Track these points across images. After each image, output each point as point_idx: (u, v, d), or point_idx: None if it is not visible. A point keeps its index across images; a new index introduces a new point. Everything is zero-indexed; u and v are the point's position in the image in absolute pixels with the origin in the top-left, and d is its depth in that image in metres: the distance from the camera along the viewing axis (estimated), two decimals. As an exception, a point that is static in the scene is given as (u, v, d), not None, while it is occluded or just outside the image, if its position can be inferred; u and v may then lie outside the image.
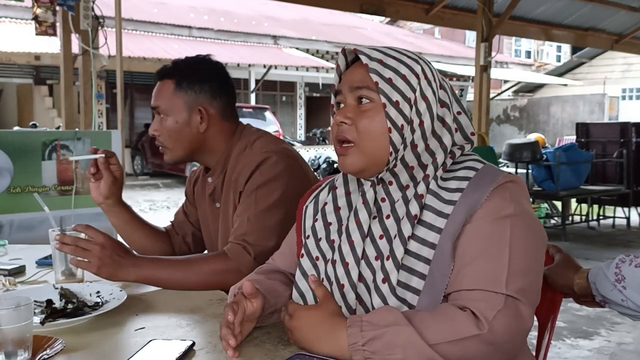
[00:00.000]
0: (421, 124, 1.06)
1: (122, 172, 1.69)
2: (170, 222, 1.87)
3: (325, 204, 1.19)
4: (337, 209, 1.16)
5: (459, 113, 1.13)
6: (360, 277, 1.07)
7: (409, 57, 1.10)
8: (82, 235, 1.41)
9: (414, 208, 1.05)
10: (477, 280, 0.99)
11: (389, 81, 1.05)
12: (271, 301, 1.16)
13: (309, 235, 1.18)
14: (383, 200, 1.10)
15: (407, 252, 1.03)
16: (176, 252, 1.79)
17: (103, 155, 1.62)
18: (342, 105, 1.11)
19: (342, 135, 1.09)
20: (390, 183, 1.09)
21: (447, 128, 1.09)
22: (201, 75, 1.59)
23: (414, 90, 1.06)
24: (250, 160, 1.54)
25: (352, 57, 1.14)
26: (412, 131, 1.06)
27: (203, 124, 1.58)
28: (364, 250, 1.08)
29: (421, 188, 1.06)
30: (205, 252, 1.82)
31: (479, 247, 1.01)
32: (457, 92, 1.18)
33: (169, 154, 1.62)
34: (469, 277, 0.99)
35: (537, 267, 1.05)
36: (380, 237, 1.07)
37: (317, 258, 1.16)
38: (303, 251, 1.18)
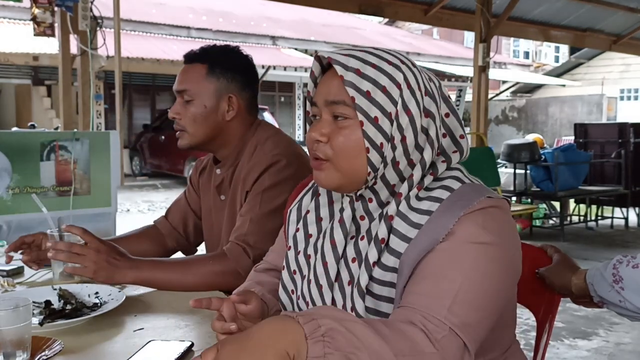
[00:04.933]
0: (403, 139, 0.97)
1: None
2: (164, 215, 1.82)
3: (308, 211, 1.12)
4: (319, 219, 1.10)
5: (447, 115, 1.04)
6: (333, 301, 1.02)
7: (390, 62, 0.98)
8: (77, 239, 1.40)
9: (382, 231, 0.97)
10: (419, 299, 0.89)
11: (366, 95, 0.95)
12: (274, 300, 1.15)
13: (290, 247, 1.13)
14: (362, 218, 1.03)
15: (372, 278, 0.97)
16: (169, 245, 1.77)
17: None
18: (317, 117, 1.02)
19: (315, 154, 1.01)
20: (370, 200, 1.02)
21: (429, 141, 1.00)
22: (234, 64, 1.60)
23: (395, 103, 0.96)
24: (259, 161, 1.55)
25: (326, 62, 1.03)
26: (393, 148, 0.97)
27: (230, 112, 1.59)
28: (338, 272, 1.02)
29: (392, 209, 0.98)
30: (203, 244, 1.81)
31: (434, 267, 0.91)
32: (455, 92, 1.13)
33: (187, 138, 1.60)
34: (413, 295, 0.91)
35: (492, 305, 0.92)
36: (353, 261, 1.00)
37: (295, 272, 1.12)
38: (284, 263, 1.14)
